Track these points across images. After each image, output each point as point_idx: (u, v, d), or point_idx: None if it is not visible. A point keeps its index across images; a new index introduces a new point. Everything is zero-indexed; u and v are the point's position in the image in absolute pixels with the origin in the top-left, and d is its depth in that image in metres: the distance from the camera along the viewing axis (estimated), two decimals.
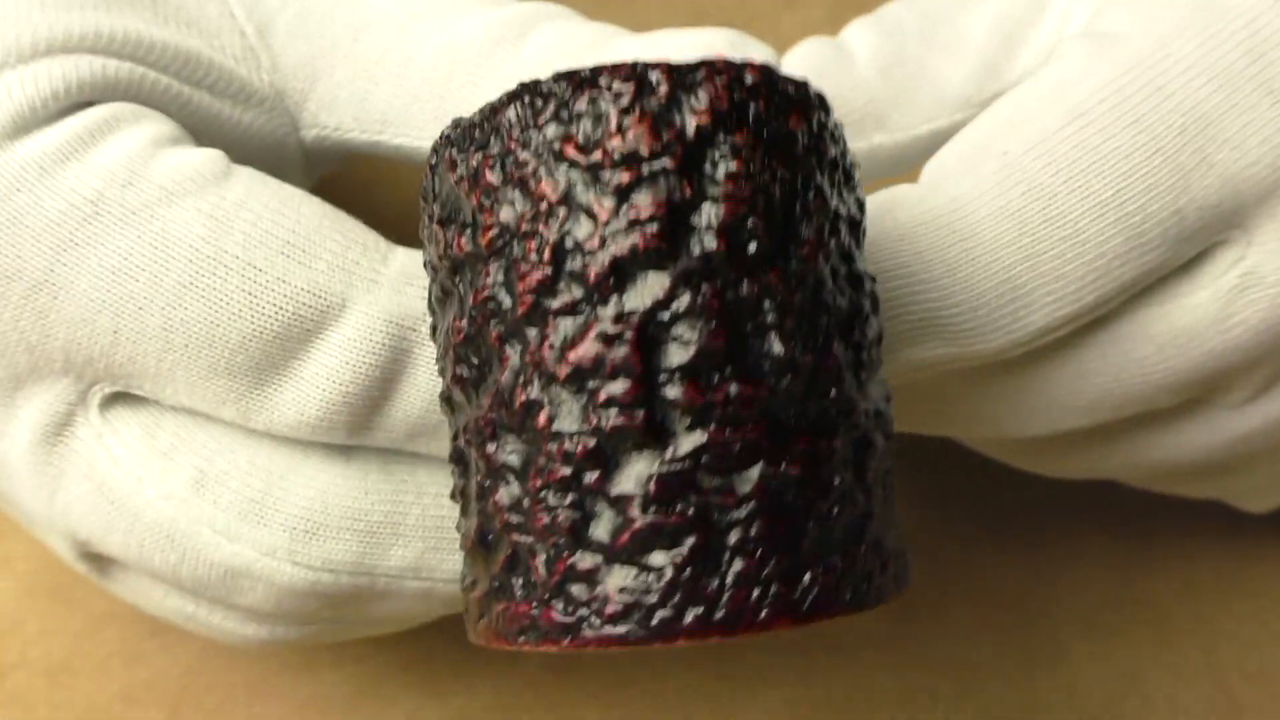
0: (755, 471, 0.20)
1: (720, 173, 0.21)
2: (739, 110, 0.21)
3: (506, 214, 0.21)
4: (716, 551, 0.20)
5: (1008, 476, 0.36)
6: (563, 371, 0.20)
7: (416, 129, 0.28)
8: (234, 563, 0.26)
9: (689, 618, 0.20)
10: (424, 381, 0.25)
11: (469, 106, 0.28)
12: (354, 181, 0.38)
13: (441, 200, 0.22)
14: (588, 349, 0.20)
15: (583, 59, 0.28)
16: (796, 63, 0.29)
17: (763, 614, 0.20)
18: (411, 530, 0.26)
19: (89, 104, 0.25)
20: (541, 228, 0.21)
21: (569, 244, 0.21)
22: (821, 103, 0.22)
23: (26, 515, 0.28)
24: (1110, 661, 0.34)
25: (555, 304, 0.21)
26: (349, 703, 0.33)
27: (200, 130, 0.28)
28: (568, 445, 0.20)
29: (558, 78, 0.21)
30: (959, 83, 0.29)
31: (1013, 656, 0.34)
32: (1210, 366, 0.27)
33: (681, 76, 0.21)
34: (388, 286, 0.25)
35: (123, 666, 0.33)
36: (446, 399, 0.23)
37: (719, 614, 0.20)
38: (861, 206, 0.23)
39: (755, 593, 0.20)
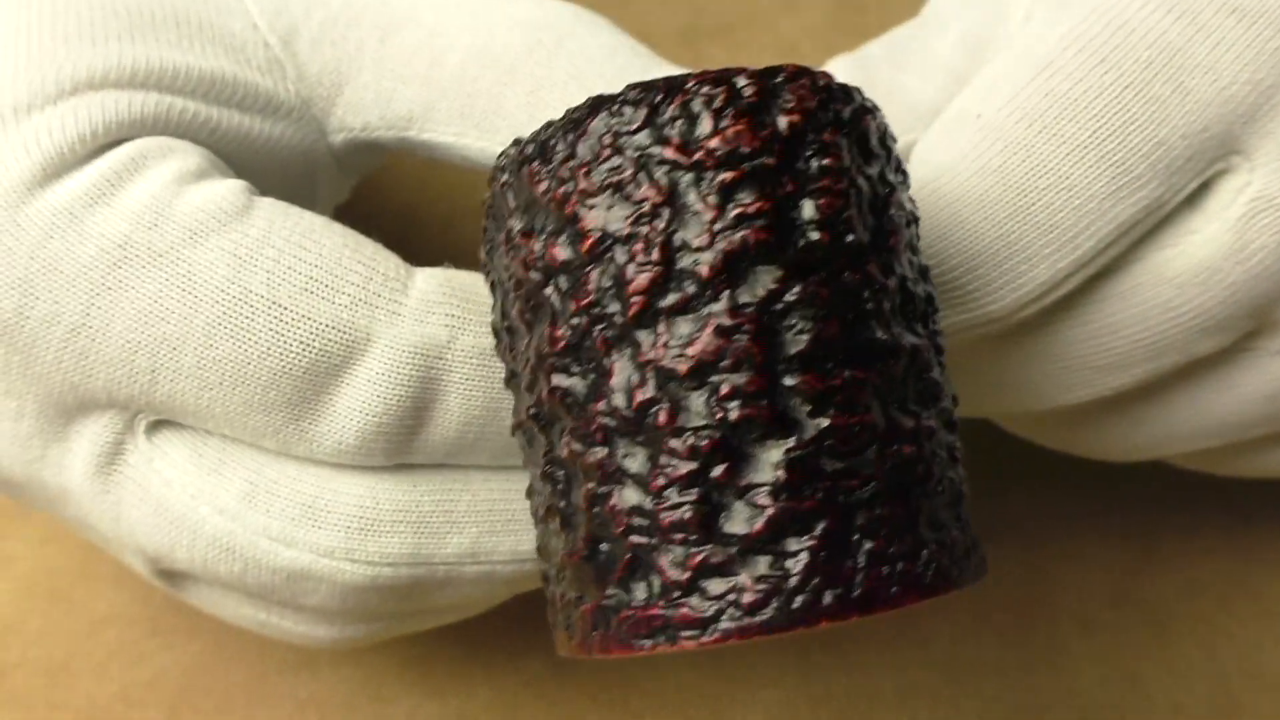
0: (873, 453, 0.21)
1: (815, 168, 0.21)
2: (824, 109, 0.22)
3: (607, 219, 0.22)
4: (846, 533, 0.21)
5: (1008, 476, 0.36)
6: (683, 367, 0.21)
7: (443, 124, 0.29)
8: (294, 567, 0.26)
9: (828, 599, 0.21)
10: (456, 405, 0.26)
11: (498, 106, 0.28)
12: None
13: (522, 212, 0.23)
14: (708, 343, 0.21)
15: (621, 74, 0.28)
16: None
17: (893, 591, 0.21)
18: (464, 516, 0.27)
19: (118, 142, 0.26)
20: (647, 229, 0.21)
21: (677, 243, 0.21)
22: (875, 107, 0.23)
23: (103, 538, 0.28)
24: (1110, 661, 0.34)
25: (668, 302, 0.21)
26: (348, 703, 0.33)
27: (230, 148, 0.28)
28: (692, 441, 0.21)
29: (637, 87, 0.22)
30: (930, 95, 0.30)
31: (1013, 656, 0.34)
32: (1239, 300, 0.26)
33: (767, 80, 0.22)
34: (410, 317, 0.26)
35: (123, 666, 0.34)
36: (534, 414, 0.23)
37: (856, 593, 0.21)
38: (914, 202, 0.25)
39: (885, 570, 0.21)
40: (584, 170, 0.22)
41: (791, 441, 0.21)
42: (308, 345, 0.25)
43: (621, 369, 0.21)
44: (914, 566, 0.21)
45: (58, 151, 0.25)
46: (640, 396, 0.21)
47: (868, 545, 0.21)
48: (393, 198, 0.43)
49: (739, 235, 0.21)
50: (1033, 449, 0.32)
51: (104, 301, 0.25)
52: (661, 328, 0.21)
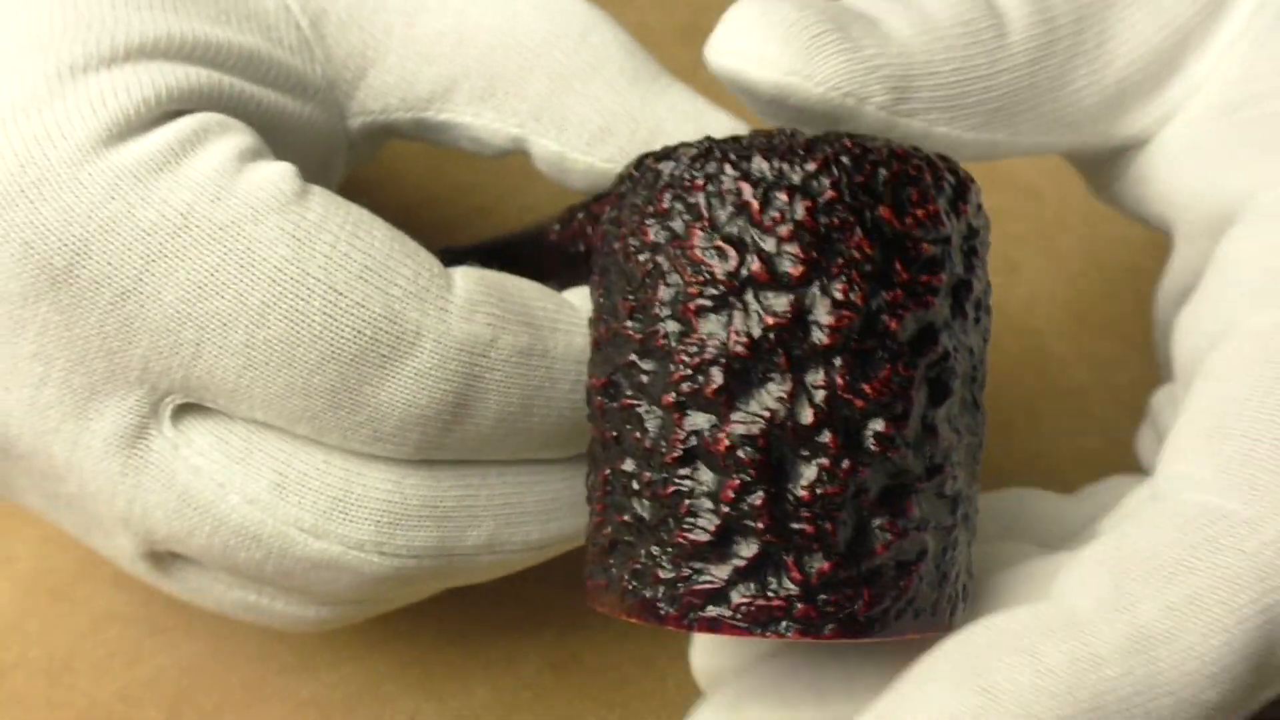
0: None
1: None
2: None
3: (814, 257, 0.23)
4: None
5: (1007, 476, 0.36)
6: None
7: (463, 105, 0.29)
8: (323, 558, 0.26)
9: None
10: (494, 403, 0.26)
11: (520, 90, 0.29)
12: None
13: (721, 227, 0.23)
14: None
15: (638, 72, 0.29)
16: (944, 14, 0.28)
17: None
18: (484, 510, 0.27)
19: (177, 112, 0.26)
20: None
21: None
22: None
23: (91, 517, 0.28)
24: None
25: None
26: (347, 703, 0.33)
27: (267, 128, 0.28)
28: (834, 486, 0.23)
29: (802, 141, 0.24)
30: (1086, 107, 0.29)
31: None
32: None
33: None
34: (457, 314, 0.26)
35: (123, 666, 0.34)
36: (679, 404, 0.24)
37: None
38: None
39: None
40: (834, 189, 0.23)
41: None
42: (360, 333, 0.25)
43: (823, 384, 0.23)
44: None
45: (124, 114, 0.25)
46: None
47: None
48: (390, 198, 0.43)
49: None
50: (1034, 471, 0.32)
51: (159, 268, 0.25)
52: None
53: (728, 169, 0.23)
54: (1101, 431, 0.38)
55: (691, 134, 0.30)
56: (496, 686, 0.33)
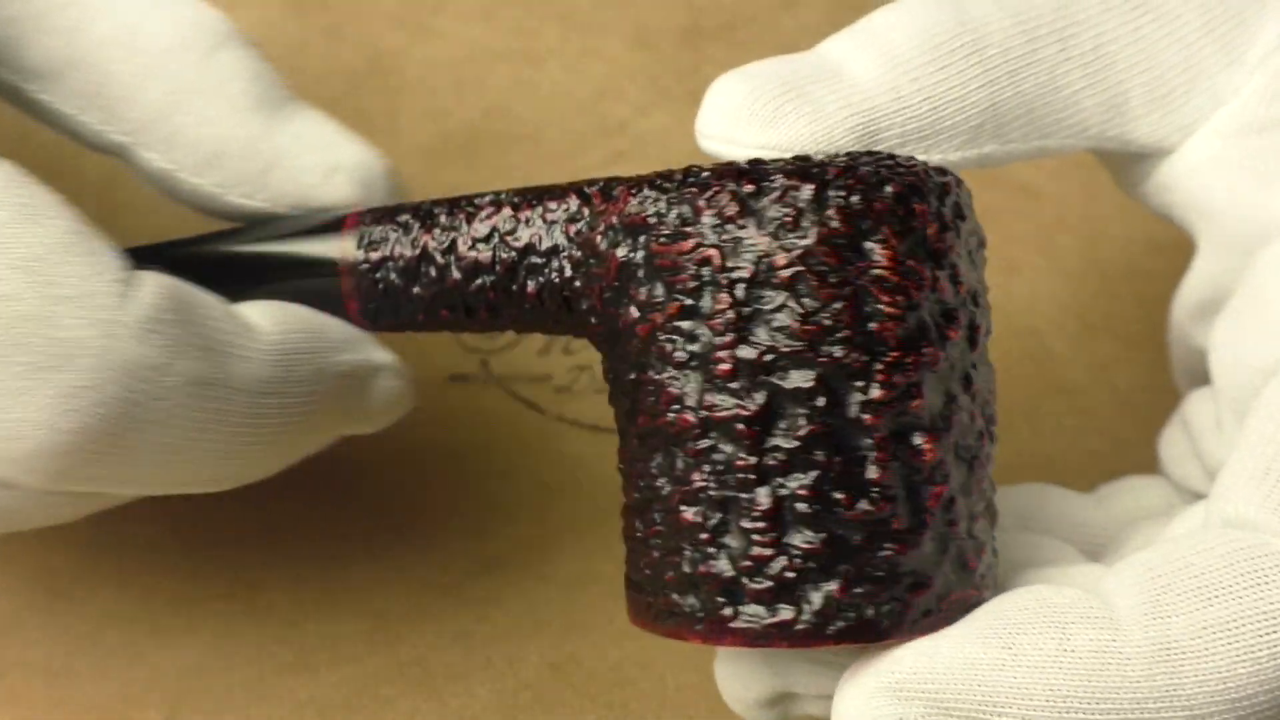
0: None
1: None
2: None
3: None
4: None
5: (1008, 476, 0.36)
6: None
7: (70, 97, 0.28)
8: None
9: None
10: (154, 436, 0.24)
11: (132, 96, 0.28)
12: None
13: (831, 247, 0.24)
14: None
15: (265, 96, 0.28)
16: (909, 24, 0.28)
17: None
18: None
19: None
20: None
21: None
22: None
23: None
24: None
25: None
26: (347, 704, 0.33)
27: None
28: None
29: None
30: (1088, 111, 0.29)
31: None
32: None
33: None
34: (129, 331, 0.24)
35: (122, 666, 0.34)
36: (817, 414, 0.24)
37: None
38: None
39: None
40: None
41: None
42: (5, 330, 0.23)
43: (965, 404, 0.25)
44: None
45: None
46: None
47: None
48: None
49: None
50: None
51: None
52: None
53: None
54: (1101, 431, 0.38)
55: (317, 164, 0.29)
56: (496, 687, 0.33)
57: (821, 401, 0.24)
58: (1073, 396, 0.39)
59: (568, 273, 0.26)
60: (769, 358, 0.24)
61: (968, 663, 0.24)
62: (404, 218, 0.28)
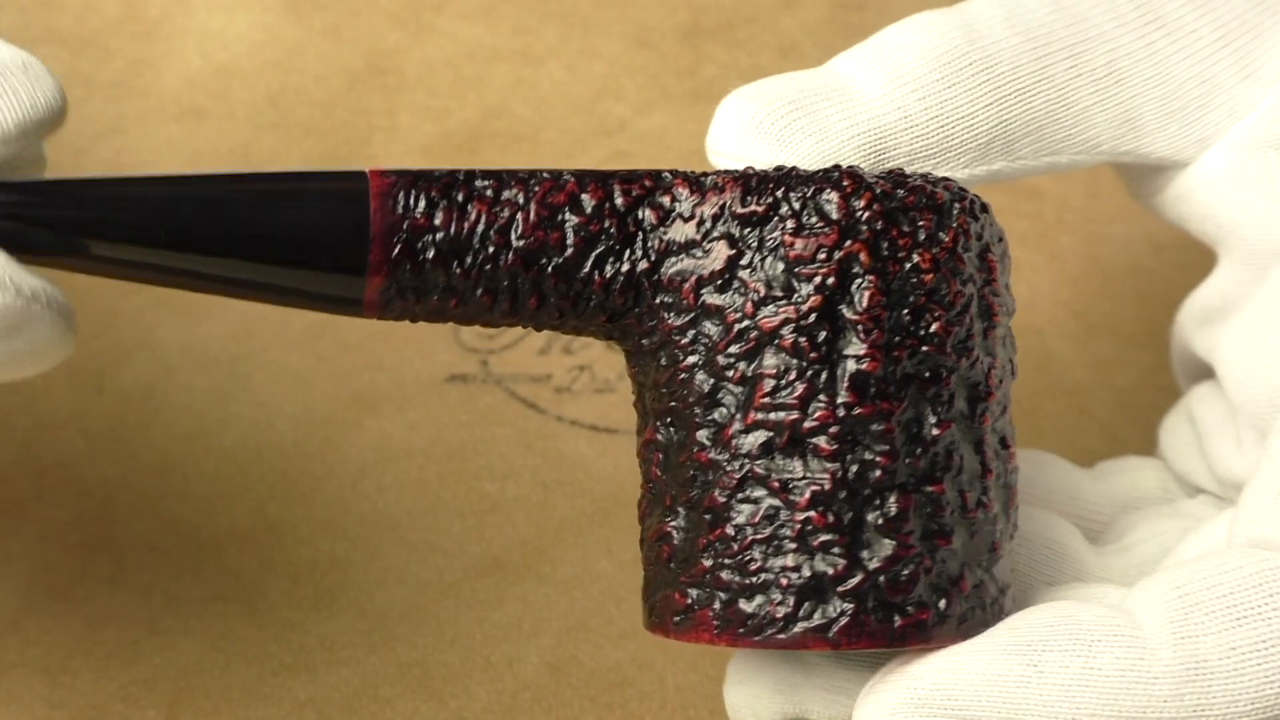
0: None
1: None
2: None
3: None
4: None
5: None
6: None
7: None
8: None
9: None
10: None
11: None
12: None
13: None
14: None
15: None
16: (919, 43, 0.28)
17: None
18: None
19: None
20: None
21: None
22: None
23: None
24: None
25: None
26: (346, 704, 0.33)
27: None
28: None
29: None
30: (1100, 127, 0.29)
31: None
32: None
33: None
34: None
35: (121, 666, 0.33)
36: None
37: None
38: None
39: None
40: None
41: None
42: None
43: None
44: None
45: None
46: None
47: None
48: None
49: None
50: None
51: None
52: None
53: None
54: (1102, 431, 0.38)
55: None
56: (496, 688, 0.33)
57: (910, 415, 0.24)
58: (1073, 396, 0.39)
59: (652, 259, 0.25)
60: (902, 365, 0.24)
61: (992, 678, 0.24)
62: (445, 182, 0.25)
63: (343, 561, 0.35)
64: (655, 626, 0.26)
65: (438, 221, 0.25)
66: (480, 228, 0.25)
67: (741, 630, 0.24)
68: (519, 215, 0.25)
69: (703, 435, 0.25)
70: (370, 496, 0.37)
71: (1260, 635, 0.24)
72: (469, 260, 0.25)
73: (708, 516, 0.25)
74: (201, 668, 0.33)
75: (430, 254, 0.25)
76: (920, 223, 0.25)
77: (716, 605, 0.25)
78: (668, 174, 0.26)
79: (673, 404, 0.25)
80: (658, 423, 0.25)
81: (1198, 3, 0.29)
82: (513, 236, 0.25)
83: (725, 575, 0.24)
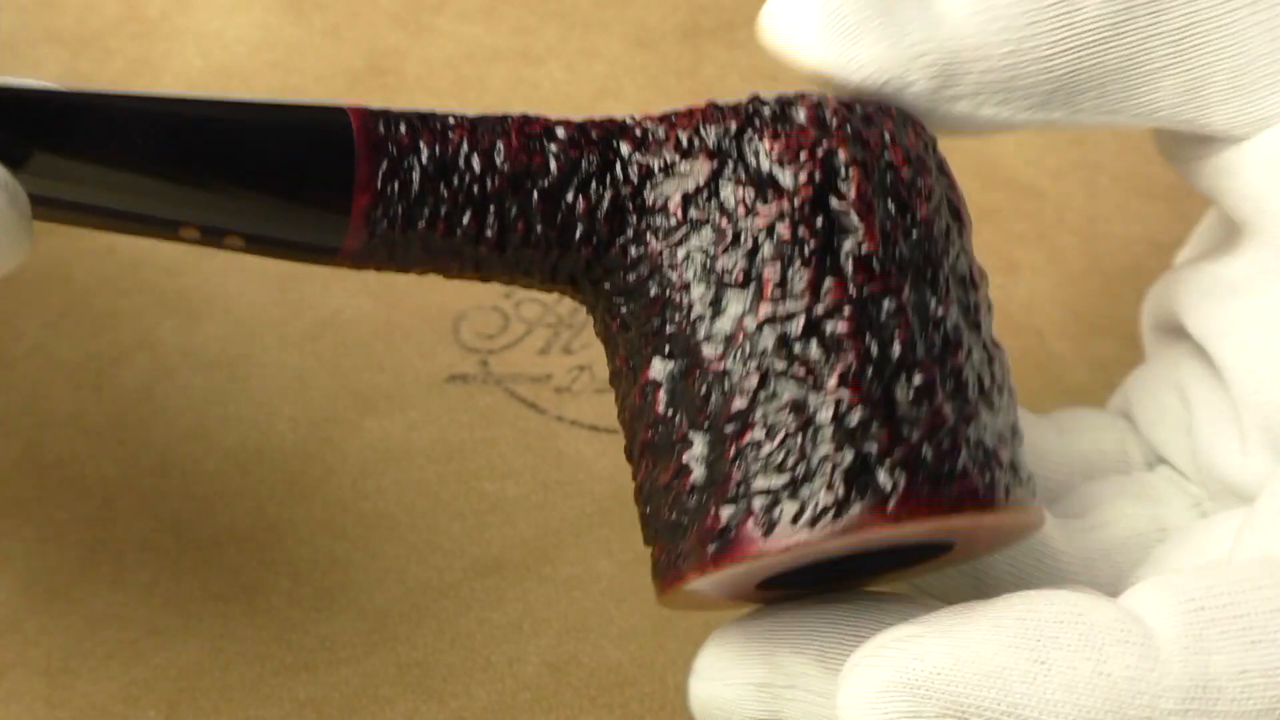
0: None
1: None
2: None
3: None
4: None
5: None
6: None
7: None
8: None
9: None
10: None
11: None
12: None
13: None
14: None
15: None
16: None
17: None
18: None
19: None
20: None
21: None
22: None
23: None
24: None
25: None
26: (346, 704, 0.33)
27: None
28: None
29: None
30: (1164, 92, 0.28)
31: None
32: None
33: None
34: None
35: (122, 666, 0.33)
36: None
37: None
38: None
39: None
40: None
41: None
42: None
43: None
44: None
45: None
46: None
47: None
48: None
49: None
50: None
51: None
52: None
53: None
54: None
55: None
56: (496, 688, 0.33)
57: (915, 297, 0.25)
58: (1073, 396, 0.39)
59: (634, 183, 0.25)
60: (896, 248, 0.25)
61: (996, 670, 0.23)
62: (423, 113, 0.25)
63: (343, 561, 0.35)
64: (675, 578, 0.25)
65: (421, 144, 0.25)
66: (464, 149, 0.25)
67: (792, 529, 0.23)
68: (499, 141, 0.25)
69: (709, 349, 0.24)
70: (370, 496, 0.37)
71: (1273, 661, 0.23)
72: (455, 181, 0.25)
73: (731, 425, 0.24)
74: (201, 668, 0.33)
75: (416, 173, 0.25)
76: (884, 126, 0.25)
77: (757, 513, 0.24)
78: (632, 116, 0.26)
79: (669, 330, 0.25)
80: (654, 358, 0.25)
81: None
82: (497, 159, 0.25)
83: (760, 481, 0.24)
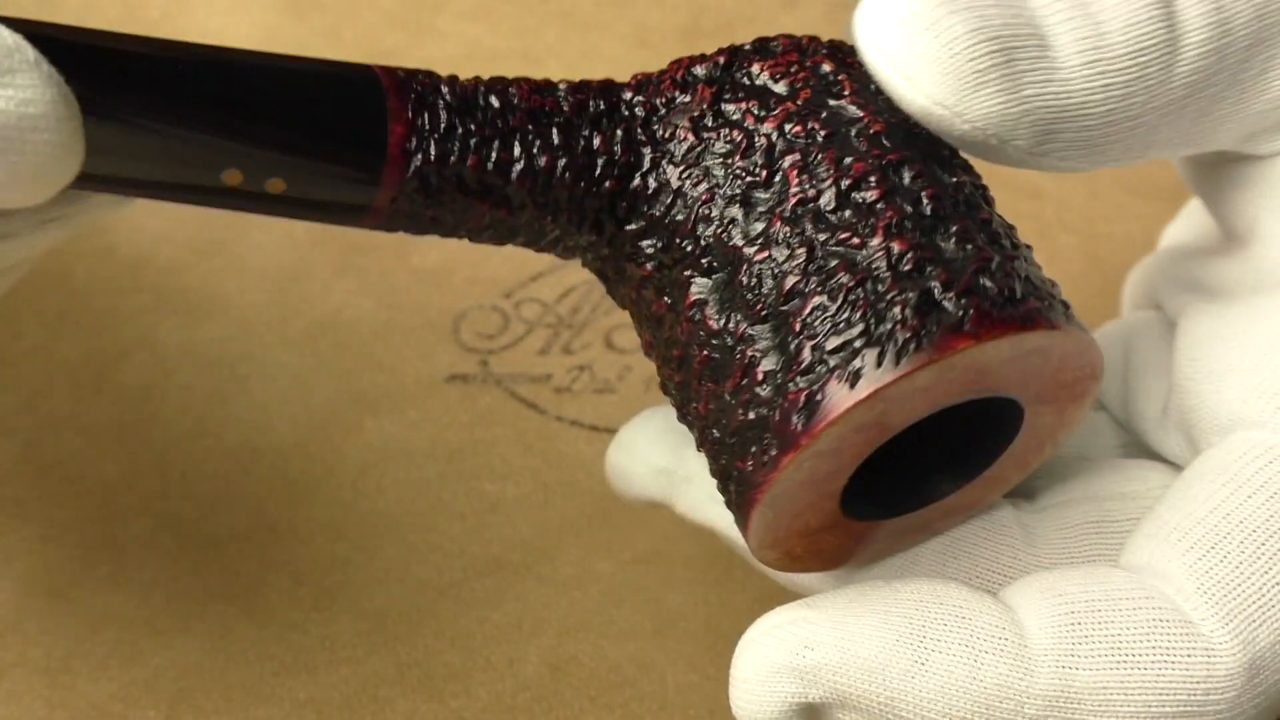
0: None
1: None
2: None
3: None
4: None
5: None
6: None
7: None
8: None
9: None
10: None
11: None
12: None
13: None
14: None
15: None
16: (1124, 9, 0.25)
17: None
18: None
19: None
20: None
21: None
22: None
23: None
24: None
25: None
26: (347, 704, 0.33)
27: None
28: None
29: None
30: (1224, 134, 0.27)
31: None
32: None
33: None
34: None
35: (121, 666, 0.34)
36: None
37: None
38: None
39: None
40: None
41: None
42: None
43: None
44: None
45: None
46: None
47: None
48: None
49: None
50: None
51: None
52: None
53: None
54: None
55: None
56: (496, 688, 0.33)
57: (926, 167, 0.25)
58: None
59: (641, 116, 0.27)
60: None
61: (879, 666, 0.25)
62: (433, 74, 0.26)
63: (343, 561, 0.35)
64: (768, 475, 0.25)
65: (442, 85, 0.26)
66: (481, 90, 0.26)
67: (877, 373, 0.24)
68: (510, 87, 0.26)
69: (750, 249, 0.25)
70: (370, 496, 0.37)
71: (1133, 681, 0.25)
72: (479, 116, 0.26)
73: (790, 303, 0.25)
74: (201, 668, 0.33)
75: (442, 108, 0.26)
76: (843, 55, 0.27)
77: (839, 370, 0.24)
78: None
79: (705, 244, 0.26)
80: (693, 281, 0.26)
81: None
82: (513, 99, 0.26)
83: (833, 340, 0.24)
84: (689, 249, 0.26)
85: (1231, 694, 0.25)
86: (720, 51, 0.27)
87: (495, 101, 0.26)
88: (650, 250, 0.26)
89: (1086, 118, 0.25)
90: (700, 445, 0.26)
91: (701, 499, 0.30)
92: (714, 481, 0.27)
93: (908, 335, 0.24)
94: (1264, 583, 0.25)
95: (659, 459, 0.30)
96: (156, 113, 0.24)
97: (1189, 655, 0.25)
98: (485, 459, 0.37)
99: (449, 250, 0.41)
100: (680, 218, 0.26)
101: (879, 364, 0.24)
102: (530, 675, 0.33)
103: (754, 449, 0.25)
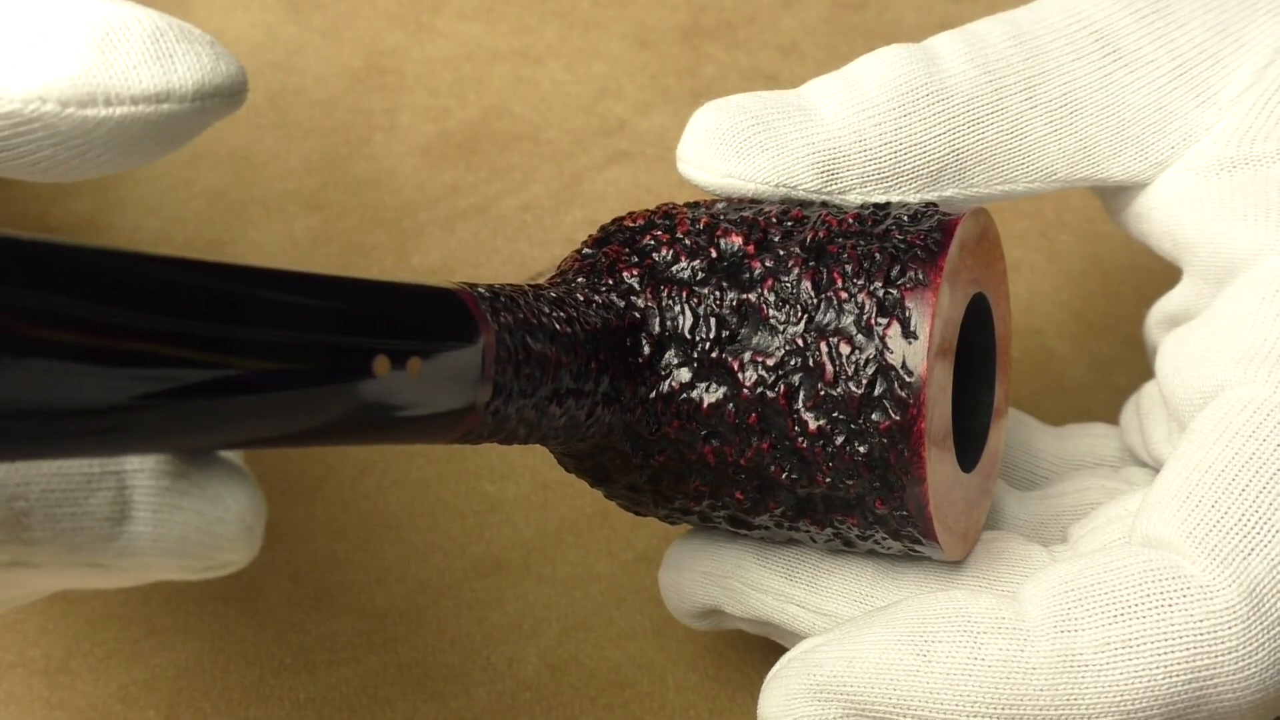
0: None
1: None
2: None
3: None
4: None
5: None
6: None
7: None
8: None
9: None
10: None
11: None
12: None
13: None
14: None
15: None
16: (881, 73, 0.29)
17: None
18: None
19: None
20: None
21: None
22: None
23: None
24: None
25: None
26: (346, 705, 0.33)
27: None
28: None
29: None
30: (1054, 156, 0.30)
31: None
32: None
33: None
34: None
35: (121, 666, 0.34)
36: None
37: None
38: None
39: None
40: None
41: None
42: None
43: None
44: None
45: None
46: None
47: None
48: (384, 198, 0.43)
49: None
50: None
51: None
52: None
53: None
54: None
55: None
56: (496, 688, 0.33)
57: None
58: (1072, 396, 0.39)
59: (644, 267, 0.28)
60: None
61: (884, 667, 0.25)
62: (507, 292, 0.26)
63: (343, 561, 0.35)
64: (918, 410, 0.26)
65: (516, 314, 0.25)
66: (549, 308, 0.27)
67: (930, 259, 0.27)
68: (566, 294, 0.28)
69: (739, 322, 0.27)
70: (370, 496, 0.37)
71: (1134, 632, 0.25)
72: (548, 336, 0.26)
73: (824, 259, 0.27)
74: (201, 668, 0.33)
75: (511, 306, 0.25)
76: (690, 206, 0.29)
77: (912, 263, 0.27)
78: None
79: (696, 362, 0.27)
80: (704, 389, 0.27)
81: (1156, 34, 0.30)
82: (580, 306, 0.27)
83: (878, 280, 0.27)
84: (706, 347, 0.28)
85: (1239, 626, 0.25)
86: (614, 242, 0.28)
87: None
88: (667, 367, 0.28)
89: (865, 152, 0.29)
90: (817, 478, 0.27)
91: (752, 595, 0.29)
92: (752, 570, 0.29)
93: (920, 245, 0.27)
94: (1243, 515, 0.26)
95: (709, 566, 0.30)
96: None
97: (1185, 596, 0.25)
98: (485, 459, 0.37)
99: (449, 250, 0.41)
100: (687, 315, 0.28)
101: (927, 257, 0.27)
102: (530, 675, 0.33)
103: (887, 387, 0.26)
